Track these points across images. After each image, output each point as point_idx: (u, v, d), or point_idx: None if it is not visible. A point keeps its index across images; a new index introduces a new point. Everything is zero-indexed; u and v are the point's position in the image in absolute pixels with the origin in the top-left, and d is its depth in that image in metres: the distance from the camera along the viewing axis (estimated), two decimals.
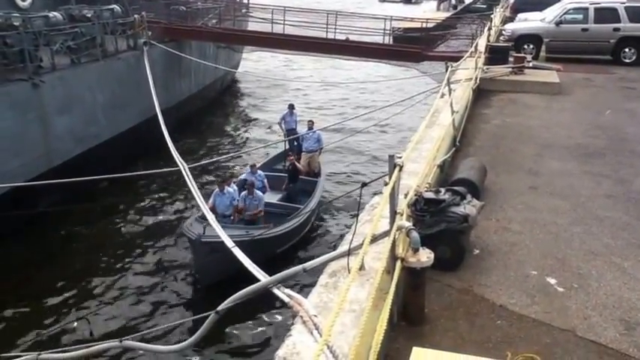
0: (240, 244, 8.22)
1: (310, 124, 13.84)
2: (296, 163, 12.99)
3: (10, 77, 12.23)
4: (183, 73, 20.04)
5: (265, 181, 12.37)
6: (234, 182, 11.63)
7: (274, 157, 14.88)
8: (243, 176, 12.41)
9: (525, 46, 17.10)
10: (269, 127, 20.27)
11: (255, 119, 22.00)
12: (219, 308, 4.10)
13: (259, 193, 11.13)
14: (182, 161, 8.11)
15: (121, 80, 15.93)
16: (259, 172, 12.43)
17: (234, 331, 8.27)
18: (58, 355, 6.09)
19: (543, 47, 17.24)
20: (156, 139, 11.81)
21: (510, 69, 14.23)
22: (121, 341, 5.47)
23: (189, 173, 7.47)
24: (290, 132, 14.85)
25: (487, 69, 13.73)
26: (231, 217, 10.88)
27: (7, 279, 10.05)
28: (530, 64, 14.85)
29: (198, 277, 9.99)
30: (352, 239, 4.39)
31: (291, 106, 15.50)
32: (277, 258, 10.13)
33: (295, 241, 11.26)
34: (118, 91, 15.77)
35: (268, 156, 15.12)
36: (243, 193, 10.97)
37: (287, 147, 14.67)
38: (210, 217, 7.50)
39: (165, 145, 9.86)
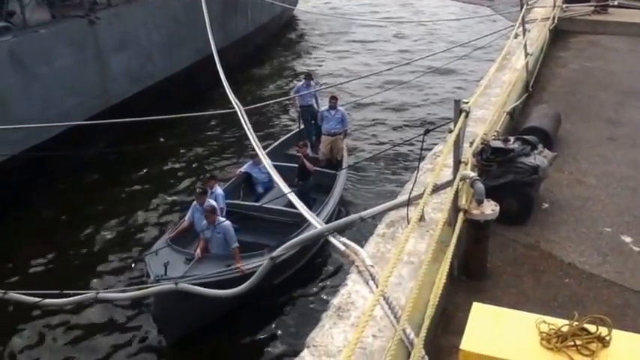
0: (218, 283, 6.11)
1: (333, 102, 11.09)
2: (305, 162, 9.72)
3: (66, 13, 12.09)
4: (239, 10, 19.49)
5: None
6: (220, 184, 9.09)
7: (286, 140, 11.82)
8: (243, 169, 10.06)
9: None
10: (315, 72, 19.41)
11: (314, 59, 21.57)
12: (274, 254, 4.12)
13: (226, 223, 7.72)
14: (238, 102, 7.96)
15: (175, 17, 15.69)
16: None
17: (289, 279, 8.22)
18: (115, 295, 6.46)
19: None
20: (211, 79, 11.64)
21: (592, 8, 13.26)
22: (176, 284, 5.68)
23: (244, 115, 7.34)
24: (306, 109, 12.08)
25: (566, 7, 12.94)
26: (195, 253, 7.75)
27: (69, 219, 10.40)
28: (615, 2, 13.66)
29: (159, 331, 7.44)
30: (412, 188, 4.27)
31: (308, 76, 12.53)
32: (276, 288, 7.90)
33: (302, 263, 8.51)
34: (173, 28, 15.56)
35: (278, 139, 12.03)
36: (204, 223, 7.83)
37: (301, 127, 11.95)
38: (267, 162, 7.00)
39: (221, 86, 9.72)
